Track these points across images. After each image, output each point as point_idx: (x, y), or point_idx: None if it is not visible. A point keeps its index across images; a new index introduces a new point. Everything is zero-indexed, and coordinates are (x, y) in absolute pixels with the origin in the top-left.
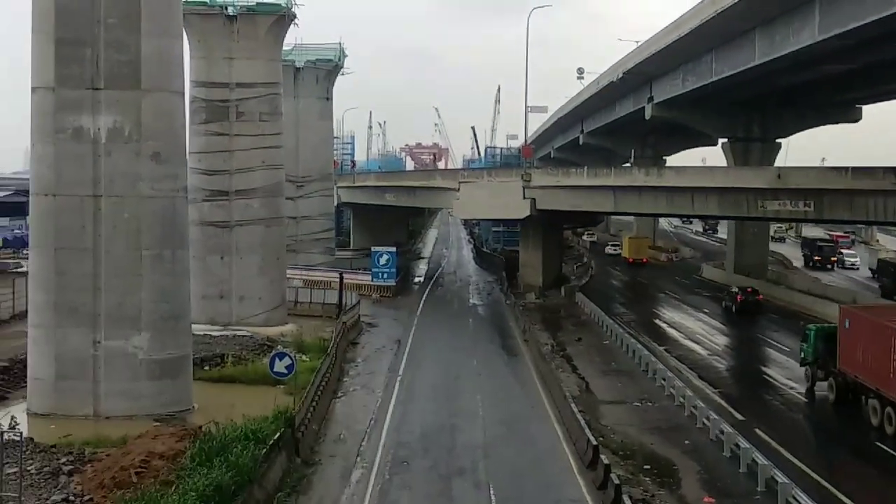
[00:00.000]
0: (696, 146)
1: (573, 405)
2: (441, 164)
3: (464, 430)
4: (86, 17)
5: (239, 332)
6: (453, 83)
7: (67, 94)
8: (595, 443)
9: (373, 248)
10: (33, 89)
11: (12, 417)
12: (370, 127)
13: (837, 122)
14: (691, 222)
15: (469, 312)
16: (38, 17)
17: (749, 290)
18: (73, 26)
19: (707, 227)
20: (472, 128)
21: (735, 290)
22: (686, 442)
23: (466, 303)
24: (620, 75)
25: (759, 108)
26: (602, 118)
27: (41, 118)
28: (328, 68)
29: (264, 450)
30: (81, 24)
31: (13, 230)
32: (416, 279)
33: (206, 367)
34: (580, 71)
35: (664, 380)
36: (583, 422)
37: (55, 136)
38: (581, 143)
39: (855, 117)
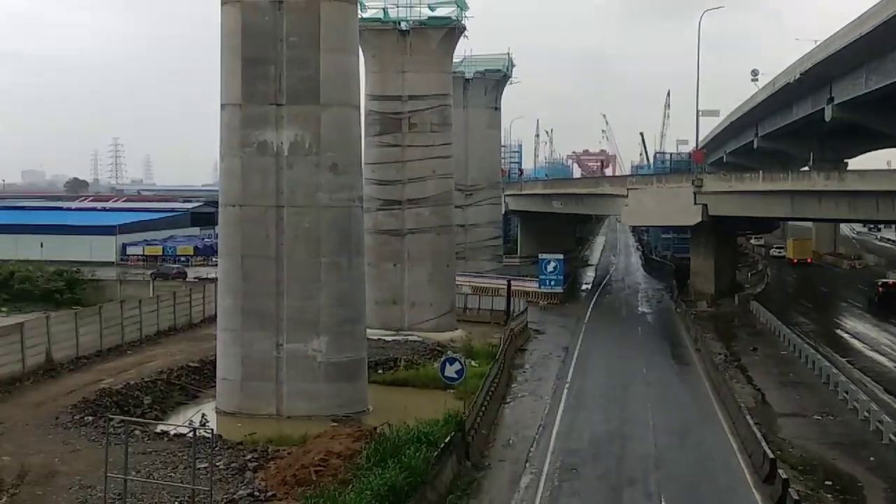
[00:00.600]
0: (881, 148)
1: (748, 417)
2: (608, 171)
3: (634, 439)
4: (270, 36)
5: (410, 337)
6: (621, 88)
7: (253, 110)
8: (772, 456)
9: (540, 255)
10: (222, 106)
11: (203, 415)
12: (537, 135)
13: None
14: (879, 229)
15: (638, 320)
16: (227, 37)
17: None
18: (259, 45)
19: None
20: (641, 133)
21: (880, 282)
22: (871, 458)
23: (635, 310)
24: (798, 76)
25: None
26: (778, 121)
27: (229, 133)
28: (496, 78)
29: (436, 452)
30: (266, 43)
31: (203, 239)
32: (584, 286)
33: (380, 371)
34: (754, 73)
35: (847, 392)
36: (759, 434)
37: (242, 149)
38: (755, 146)
39: None
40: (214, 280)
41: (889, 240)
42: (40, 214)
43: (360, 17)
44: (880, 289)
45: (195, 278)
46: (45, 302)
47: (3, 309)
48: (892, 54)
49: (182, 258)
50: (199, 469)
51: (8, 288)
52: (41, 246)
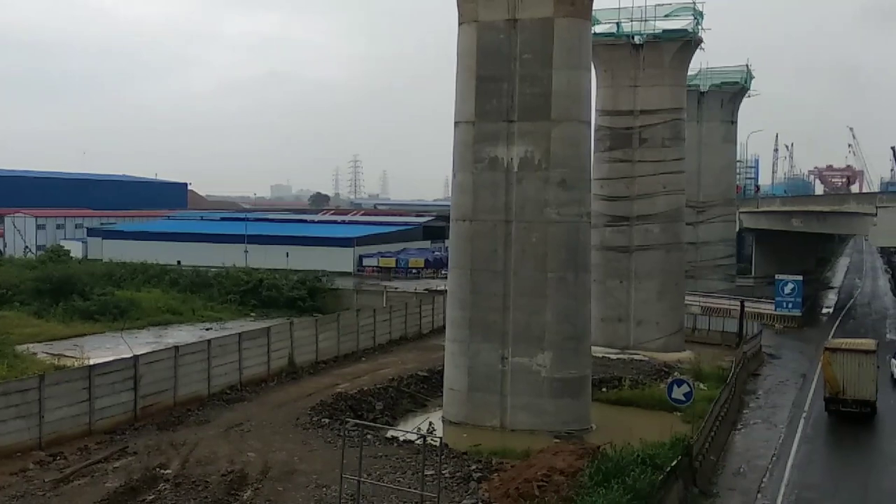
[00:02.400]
0: None
1: None
2: (854, 188)
3: (881, 474)
4: (503, 54)
5: (636, 356)
6: (871, 100)
7: (486, 127)
8: None
9: (777, 276)
10: (456, 123)
11: (430, 424)
12: (776, 149)
13: None
14: None
15: (886, 348)
16: (462, 56)
17: None
18: (493, 63)
19: None
20: (892, 148)
21: None
22: None
23: (883, 337)
24: None
25: None
26: None
27: (462, 149)
28: (733, 91)
29: (661, 476)
30: (499, 61)
31: (433, 252)
32: (825, 310)
33: (604, 389)
34: None
35: None
36: None
37: (473, 165)
38: None
39: None
40: (444, 292)
41: None
42: (286, 226)
43: (592, 31)
44: None
45: (425, 290)
46: (288, 308)
47: (252, 314)
48: None
49: (413, 270)
50: (426, 476)
51: (257, 294)
52: (287, 256)
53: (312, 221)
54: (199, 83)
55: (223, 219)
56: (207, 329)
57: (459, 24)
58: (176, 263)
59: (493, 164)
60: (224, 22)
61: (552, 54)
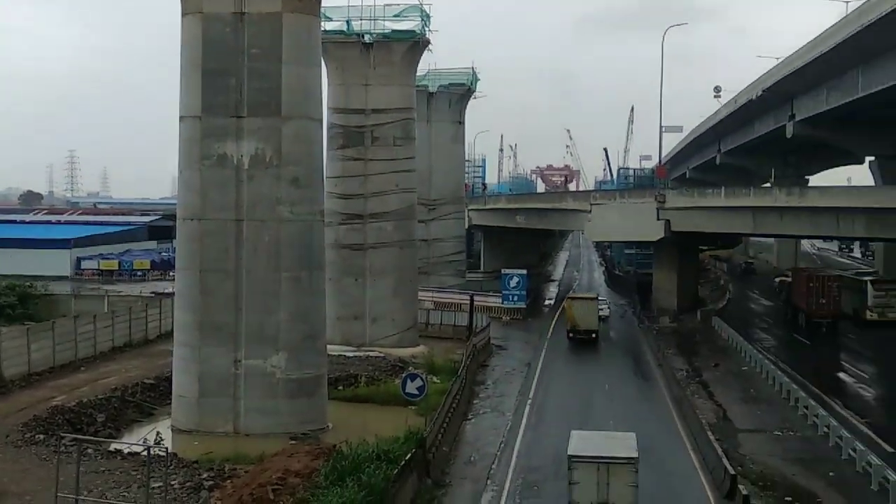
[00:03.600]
0: (841, 165)
1: (710, 433)
2: (572, 186)
3: None
4: (230, 48)
5: (372, 353)
6: (585, 104)
7: (213, 122)
8: (733, 472)
9: (503, 271)
10: (181, 118)
11: (157, 433)
12: (501, 150)
13: None
14: (851, 248)
15: (600, 335)
16: (187, 48)
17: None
18: (219, 57)
19: (843, 247)
20: (605, 149)
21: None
22: (831, 474)
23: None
24: (760, 93)
25: None
26: (740, 137)
27: (189, 145)
28: (461, 92)
29: (396, 470)
30: (227, 55)
31: (160, 253)
32: (547, 301)
33: (340, 387)
34: (717, 89)
35: (806, 408)
36: (720, 450)
37: (201, 162)
38: (718, 162)
39: None
40: (172, 295)
41: (853, 257)
42: None
43: (322, 29)
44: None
45: (152, 293)
46: None
47: None
48: (850, 72)
49: (139, 272)
50: (153, 489)
51: None
52: None
53: (23, 222)
54: None
55: None
56: None
57: (183, 15)
58: None
59: (222, 160)
60: None
61: (281, 50)
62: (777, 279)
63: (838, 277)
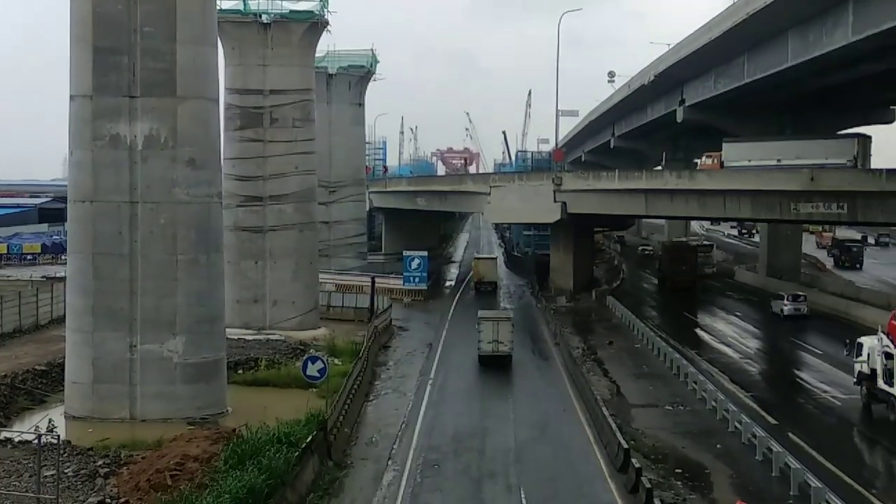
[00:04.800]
0: None
1: (604, 408)
2: (472, 169)
3: (495, 433)
4: (122, 26)
5: (272, 337)
6: (485, 87)
7: (105, 102)
8: (626, 446)
9: (404, 253)
10: (72, 97)
11: (50, 420)
12: (402, 132)
13: (872, 124)
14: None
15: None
16: (77, 25)
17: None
18: (111, 35)
19: (744, 231)
20: (503, 132)
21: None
22: (718, 446)
23: (497, 306)
24: (652, 78)
25: (791, 110)
26: (633, 121)
27: (79, 125)
28: (360, 74)
29: (297, 453)
30: (118, 33)
31: (52, 236)
32: (448, 283)
33: (240, 371)
34: (611, 74)
35: (696, 383)
36: (614, 425)
37: (93, 143)
38: (612, 146)
39: (888, 118)
40: (64, 279)
41: (734, 236)
42: None
43: (218, 7)
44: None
45: (43, 277)
46: None
47: None
48: (738, 59)
49: (29, 256)
50: (45, 477)
51: None
52: None
53: None
54: None
55: None
56: None
57: None
58: None
59: (115, 141)
60: None
61: (175, 28)
62: (639, 248)
63: (693, 248)
